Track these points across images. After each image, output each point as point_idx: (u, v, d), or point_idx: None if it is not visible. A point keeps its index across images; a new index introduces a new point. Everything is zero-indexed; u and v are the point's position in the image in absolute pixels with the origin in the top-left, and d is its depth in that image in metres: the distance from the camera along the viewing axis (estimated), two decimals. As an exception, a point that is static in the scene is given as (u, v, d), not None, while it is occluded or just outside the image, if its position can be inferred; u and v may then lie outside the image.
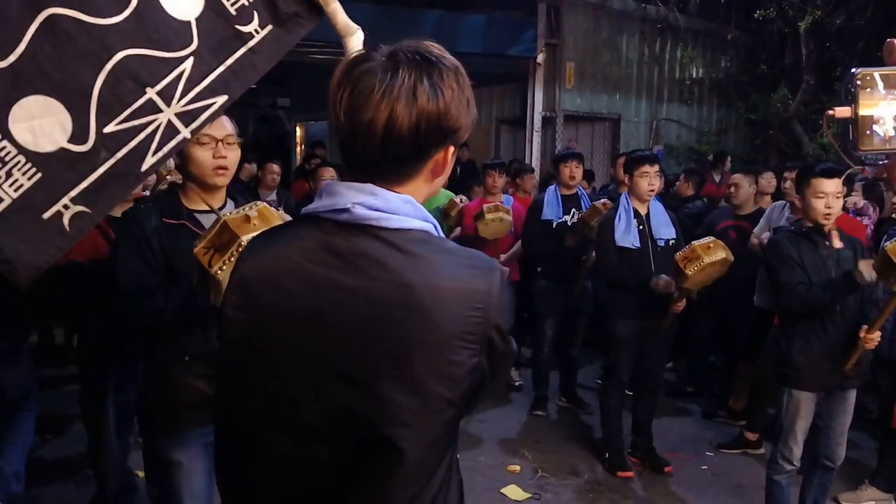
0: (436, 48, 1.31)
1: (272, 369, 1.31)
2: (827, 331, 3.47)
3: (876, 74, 1.37)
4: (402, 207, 1.28)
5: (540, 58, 9.71)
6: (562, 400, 6.08)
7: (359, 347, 1.25)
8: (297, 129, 15.14)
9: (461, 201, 6.60)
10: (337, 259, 1.27)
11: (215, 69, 1.60)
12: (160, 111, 1.62)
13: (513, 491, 4.48)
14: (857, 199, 6.01)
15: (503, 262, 6.06)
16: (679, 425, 5.63)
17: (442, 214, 6.64)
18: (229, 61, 1.59)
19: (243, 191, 7.12)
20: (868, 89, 1.37)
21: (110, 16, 1.56)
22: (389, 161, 1.28)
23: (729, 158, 10.03)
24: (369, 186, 1.29)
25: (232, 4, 1.57)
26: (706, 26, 11.25)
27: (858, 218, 5.83)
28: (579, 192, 5.74)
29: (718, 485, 4.68)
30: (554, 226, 5.61)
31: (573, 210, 5.62)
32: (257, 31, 1.61)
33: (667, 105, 11.23)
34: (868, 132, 1.39)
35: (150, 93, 1.60)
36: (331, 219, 1.29)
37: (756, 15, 10.29)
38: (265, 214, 2.00)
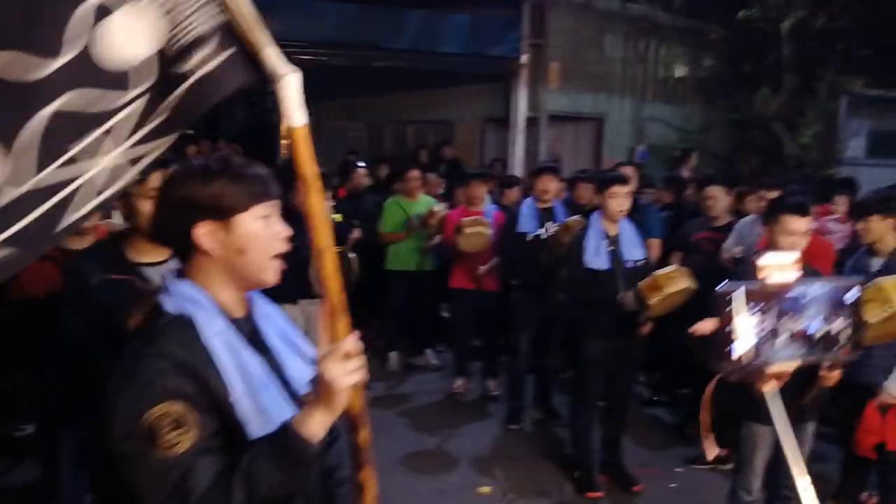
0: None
1: None
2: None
3: (738, 293, 1.40)
4: (167, 281, 1.58)
5: (524, 58, 9.69)
6: (537, 411, 6.11)
7: None
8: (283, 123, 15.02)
9: (440, 210, 6.62)
10: None
11: (155, 112, 1.58)
12: (98, 157, 1.60)
13: (481, 514, 4.51)
14: (839, 208, 6.02)
15: (483, 272, 6.08)
16: (651, 438, 5.67)
17: (421, 222, 6.65)
18: (166, 104, 1.57)
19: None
20: (733, 305, 1.39)
21: (43, 66, 1.52)
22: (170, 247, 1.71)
23: (694, 155, 10.08)
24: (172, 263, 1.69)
25: (172, 45, 1.53)
26: (690, 25, 11.23)
27: (834, 228, 5.87)
28: (555, 206, 5.75)
29: (685, 503, 4.72)
30: (529, 238, 5.63)
31: (548, 223, 5.64)
32: (192, 72, 1.58)
33: (650, 104, 11.24)
34: (727, 349, 1.42)
35: (87, 139, 1.58)
36: None
37: (739, 15, 10.29)
38: None
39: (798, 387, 3.48)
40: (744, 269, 3.69)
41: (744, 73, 11.18)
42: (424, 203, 6.88)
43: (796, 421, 3.57)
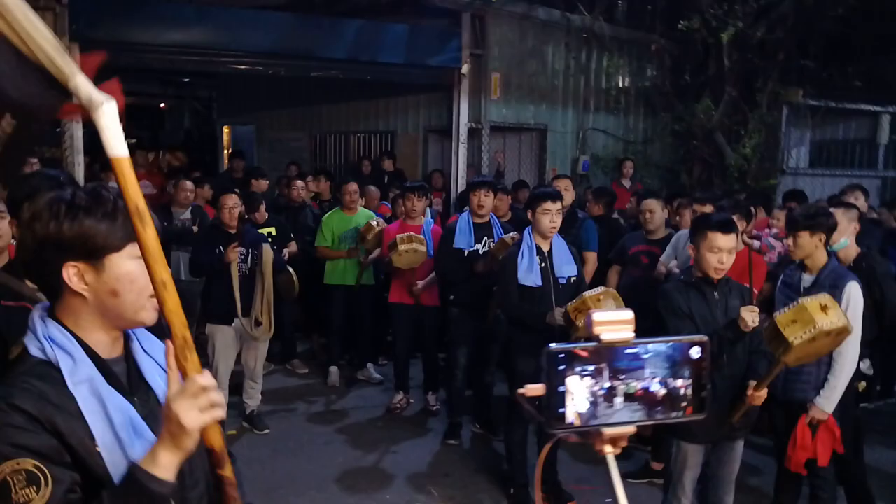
0: (71, 179, 1.50)
1: None
2: (714, 385, 3.48)
3: (571, 350, 1.35)
4: (32, 325, 1.48)
5: (465, 68, 9.63)
6: (476, 426, 6.04)
7: None
8: (224, 131, 14.78)
9: (378, 224, 6.53)
10: None
11: None
12: None
13: (414, 534, 4.42)
14: (776, 227, 6.06)
15: (420, 288, 6.00)
16: (589, 452, 5.57)
17: (359, 236, 6.56)
18: None
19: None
20: (561, 366, 1.35)
21: None
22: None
23: (626, 163, 10.18)
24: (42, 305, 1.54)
25: None
26: (632, 35, 11.30)
27: (766, 244, 5.91)
28: (492, 221, 5.70)
29: (621, 520, 4.68)
30: (465, 254, 5.56)
31: (485, 238, 5.59)
32: None
33: (593, 114, 11.26)
34: (560, 410, 1.37)
35: None
36: None
37: (680, 25, 10.39)
38: None
39: (727, 405, 3.48)
40: (677, 284, 3.68)
41: (686, 84, 11.27)
42: (363, 216, 6.79)
43: (725, 439, 3.59)
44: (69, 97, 1.38)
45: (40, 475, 1.30)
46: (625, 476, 5.18)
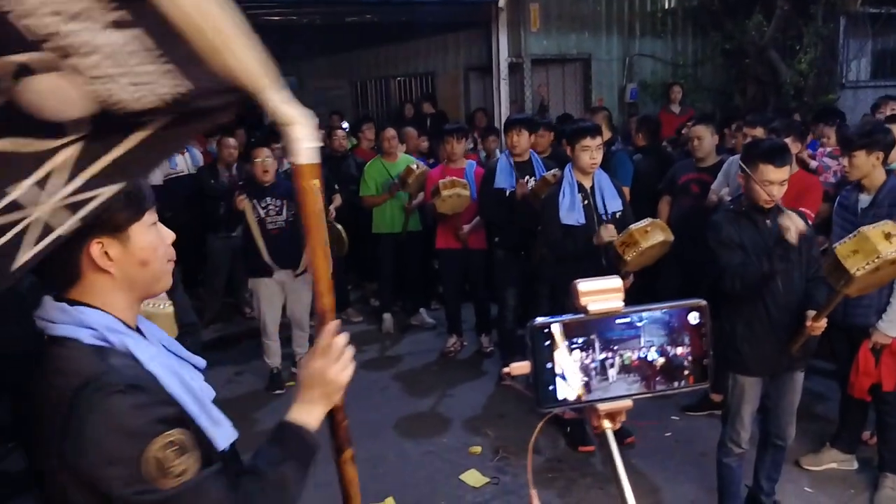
0: None
1: None
2: (770, 315, 3.35)
3: (555, 326, 1.24)
4: (57, 316, 1.36)
5: (502, 1, 9.36)
6: (530, 366, 6.01)
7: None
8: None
9: (417, 167, 6.45)
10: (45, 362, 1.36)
11: (96, 159, 1.43)
12: (33, 206, 1.46)
13: (471, 476, 4.44)
14: (820, 151, 5.80)
15: (466, 232, 5.95)
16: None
17: (400, 182, 6.49)
18: (123, 147, 1.42)
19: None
20: (547, 342, 1.24)
21: None
22: (41, 276, 1.38)
23: (674, 88, 9.79)
24: (45, 299, 1.38)
25: (115, 106, 1.38)
26: (677, -47, 10.85)
27: (822, 165, 5.66)
28: (532, 158, 5.56)
29: (681, 453, 4.63)
30: (507, 194, 5.46)
31: (527, 177, 5.46)
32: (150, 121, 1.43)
33: (639, 40, 10.87)
34: (549, 387, 1.26)
35: (22, 187, 1.44)
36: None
37: (727, -62, 9.90)
38: None
39: (784, 335, 3.35)
40: (728, 214, 3.53)
41: (735, 1, 10.77)
42: (404, 162, 6.71)
43: (785, 370, 3.47)
44: (239, 105, 1.38)
45: (187, 443, 1.31)
46: (684, 409, 5.13)
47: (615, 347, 1.28)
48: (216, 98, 1.35)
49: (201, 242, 7.13)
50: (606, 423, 1.32)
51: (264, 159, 5.59)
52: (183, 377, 1.41)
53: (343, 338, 1.52)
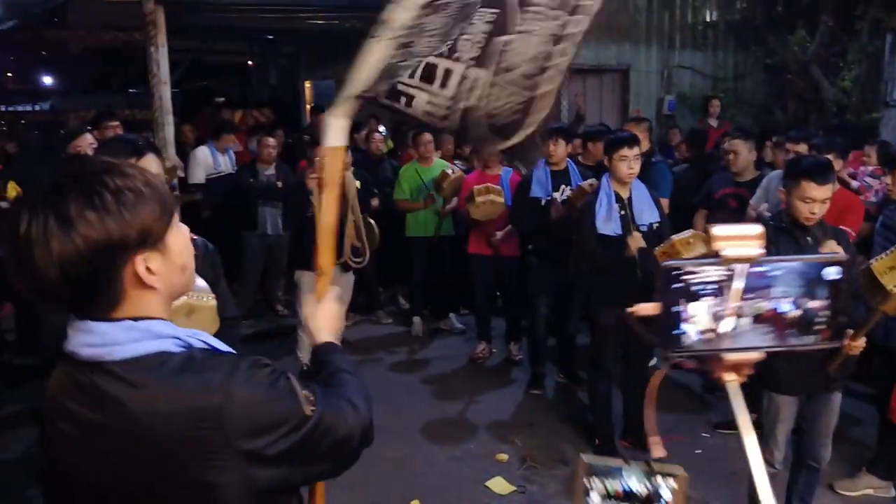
0: (84, 169, 1.24)
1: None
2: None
3: (687, 269, 1.20)
4: (125, 336, 1.25)
5: (543, 10, 9.34)
6: (560, 376, 5.99)
7: (123, 488, 1.26)
8: (306, 86, 14.86)
9: (453, 172, 6.46)
10: (84, 395, 1.26)
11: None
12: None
13: (497, 484, 4.41)
14: (861, 169, 5.71)
15: (499, 239, 5.94)
16: (678, 402, 5.51)
17: (435, 186, 6.51)
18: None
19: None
20: (676, 284, 1.20)
21: None
22: (75, 302, 1.25)
23: (713, 101, 9.67)
24: (87, 324, 1.25)
25: None
26: (720, -35, 10.76)
27: (864, 184, 5.57)
28: (569, 168, 5.54)
29: (711, 471, 4.57)
30: (543, 203, 5.44)
31: (563, 186, 5.44)
32: None
33: (679, 52, 10.81)
34: (675, 332, 1.22)
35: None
36: (73, 357, 1.27)
37: (771, -48, 9.81)
38: None
39: (821, 355, 3.30)
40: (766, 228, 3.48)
41: (778, 15, 10.65)
42: (439, 167, 6.72)
43: (821, 391, 3.41)
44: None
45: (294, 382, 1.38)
46: (716, 426, 5.07)
47: (748, 295, 1.24)
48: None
49: (238, 239, 7.22)
50: (730, 376, 1.29)
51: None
52: None
53: (336, 289, 1.86)
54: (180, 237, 1.36)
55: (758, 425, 3.74)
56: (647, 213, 4.42)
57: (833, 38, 10.17)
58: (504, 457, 4.75)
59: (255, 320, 7.41)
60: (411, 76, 1.69)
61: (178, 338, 1.29)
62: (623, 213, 4.38)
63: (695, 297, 1.21)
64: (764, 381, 3.43)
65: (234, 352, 1.38)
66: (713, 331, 1.21)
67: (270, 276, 7.52)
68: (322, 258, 1.84)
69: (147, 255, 1.27)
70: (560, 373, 6.00)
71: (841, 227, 3.84)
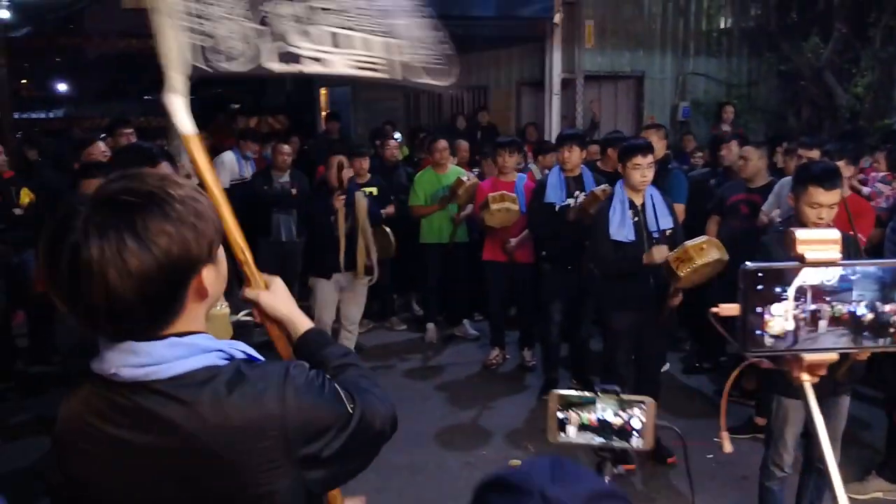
0: (144, 184, 1.18)
1: None
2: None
3: (766, 272, 1.27)
4: (171, 353, 1.21)
5: (557, 17, 9.42)
6: (573, 382, 6.03)
7: None
8: (321, 93, 14.96)
9: (468, 179, 6.52)
10: (124, 417, 1.21)
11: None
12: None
13: (511, 488, 4.45)
14: (872, 175, 5.73)
15: (514, 246, 5.99)
16: (690, 407, 5.55)
17: (449, 193, 6.57)
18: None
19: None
20: (759, 286, 1.26)
21: None
22: (135, 321, 1.19)
23: (727, 108, 9.69)
24: (128, 344, 1.21)
25: None
26: (734, -28, 10.79)
27: (875, 190, 5.59)
28: (583, 174, 5.59)
29: (723, 476, 4.61)
30: (557, 209, 5.50)
31: (577, 192, 5.49)
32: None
33: (693, 59, 10.84)
34: (757, 332, 1.28)
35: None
36: (108, 379, 1.22)
37: (785, -40, 9.84)
38: None
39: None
40: (777, 235, 3.53)
41: (792, 22, 10.67)
42: (454, 174, 6.79)
43: (829, 395, 3.44)
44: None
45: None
46: (728, 430, 5.07)
47: (828, 298, 1.30)
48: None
49: (252, 246, 7.28)
50: (805, 377, 1.35)
51: (338, 164, 5.68)
52: None
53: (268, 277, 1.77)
54: (222, 248, 1.34)
55: (766, 429, 3.79)
56: (662, 220, 4.47)
57: (846, 45, 10.18)
58: (517, 462, 4.76)
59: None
60: (310, 41, 1.69)
61: (221, 350, 1.27)
62: (636, 219, 4.43)
63: (776, 298, 1.26)
64: (774, 385, 3.47)
65: (273, 360, 1.40)
66: (792, 332, 1.27)
67: (285, 282, 7.57)
68: (238, 252, 1.74)
69: (208, 267, 1.26)
70: (573, 378, 6.04)
71: (852, 232, 3.88)
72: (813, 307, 1.29)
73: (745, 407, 5.38)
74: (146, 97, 14.70)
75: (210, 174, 1.63)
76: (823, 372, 1.31)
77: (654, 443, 1.35)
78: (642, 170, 4.37)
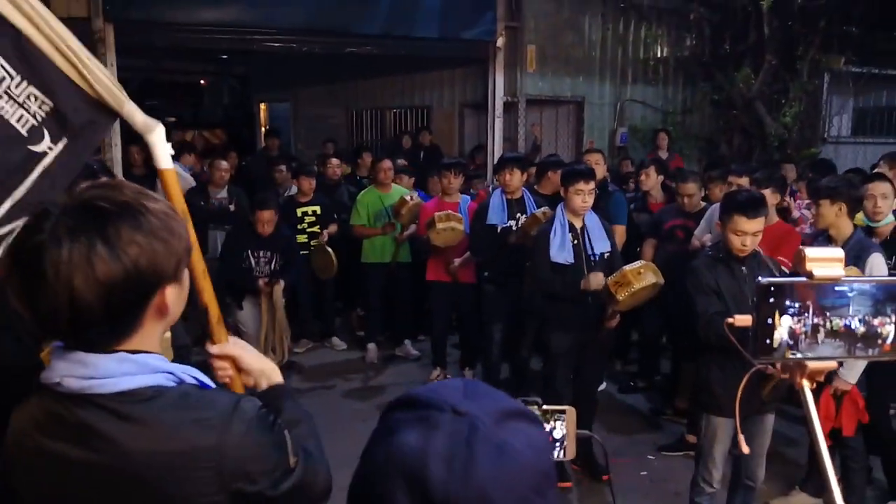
0: (120, 194, 1.19)
1: None
2: (743, 359, 3.48)
3: (777, 286, 1.42)
4: (119, 368, 1.20)
5: (500, 41, 9.59)
6: (512, 401, 6.10)
7: None
8: (261, 108, 14.88)
9: (411, 199, 6.56)
10: (64, 430, 1.19)
11: (9, 196, 1.54)
12: None
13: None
14: (799, 202, 6.00)
15: (457, 266, 6.06)
16: (626, 425, 5.68)
17: (393, 213, 6.61)
18: (26, 184, 1.53)
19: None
20: (771, 299, 1.41)
21: None
22: (93, 331, 1.19)
23: (661, 134, 10.04)
24: (77, 355, 1.19)
25: (22, 126, 1.50)
26: (670, 4, 11.10)
27: (802, 216, 5.85)
28: (525, 196, 5.71)
29: (656, 493, 4.74)
30: (499, 231, 5.59)
31: (518, 214, 5.60)
32: (50, 149, 1.55)
33: (631, 86, 11.13)
34: (767, 341, 1.44)
35: None
36: (53, 389, 1.21)
37: (719, -7, 10.21)
38: None
39: (755, 379, 3.48)
40: (706, 259, 3.67)
41: (725, 53, 11.07)
42: (398, 193, 6.84)
43: (755, 413, 3.60)
44: (114, 120, 1.53)
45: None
46: (661, 448, 5.24)
47: (828, 313, 1.45)
48: (85, 114, 1.52)
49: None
50: (805, 382, 1.48)
51: (267, 222, 5.98)
52: None
53: (233, 341, 1.66)
54: (187, 271, 1.33)
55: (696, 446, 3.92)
56: (599, 243, 4.60)
57: (776, 77, 10.60)
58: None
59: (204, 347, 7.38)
60: None
61: (171, 373, 1.25)
62: (576, 242, 4.55)
63: (785, 311, 1.41)
64: (703, 404, 3.61)
65: (225, 390, 1.39)
66: (797, 342, 1.42)
67: (222, 300, 7.50)
68: (209, 302, 1.68)
69: (172, 284, 1.26)
70: (514, 398, 6.11)
71: (777, 257, 4.07)
72: (814, 321, 1.43)
73: (677, 425, 5.55)
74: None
75: (181, 208, 1.57)
76: (821, 378, 1.48)
77: (575, 452, 1.43)
78: (583, 195, 4.49)
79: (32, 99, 1.49)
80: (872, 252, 3.84)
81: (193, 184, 7.49)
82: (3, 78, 1.46)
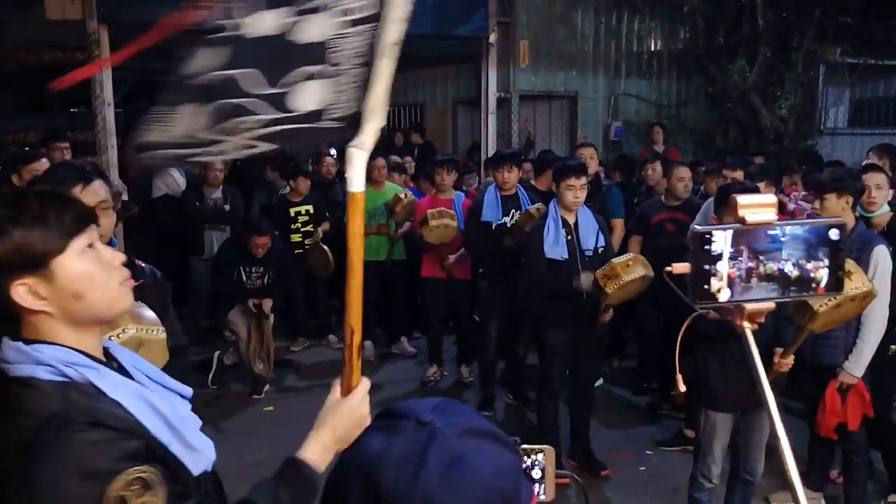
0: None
1: None
2: (742, 354, 3.46)
3: (717, 233, 1.46)
4: (14, 356, 1.29)
5: (492, 37, 9.53)
6: (509, 397, 6.09)
7: None
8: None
9: (406, 196, 6.54)
10: None
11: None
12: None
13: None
14: (794, 195, 5.97)
15: (451, 262, 6.03)
16: (623, 420, 5.66)
17: (388, 209, 6.59)
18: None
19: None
20: (707, 246, 1.46)
21: None
22: None
23: (656, 128, 10.02)
24: (5, 341, 1.31)
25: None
26: (663, -3, 11.12)
27: (798, 207, 5.82)
28: (519, 193, 5.68)
29: (654, 488, 4.71)
30: (493, 227, 5.56)
31: (513, 211, 5.57)
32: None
33: (625, 80, 11.11)
34: (705, 286, 1.48)
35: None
36: None
37: (713, -15, 10.20)
38: None
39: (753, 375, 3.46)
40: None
41: (719, 45, 11.06)
42: (392, 191, 6.81)
43: (753, 407, 3.57)
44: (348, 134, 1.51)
45: (151, 478, 1.23)
46: (659, 443, 5.22)
47: (761, 257, 1.50)
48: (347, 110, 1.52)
49: (185, 264, 7.15)
50: (747, 324, 1.49)
51: (262, 246, 6.03)
52: (153, 403, 1.37)
53: (366, 383, 1.56)
54: (74, 266, 1.33)
55: (694, 442, 3.90)
56: (593, 238, 4.57)
57: (771, 68, 10.58)
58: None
59: (203, 347, 7.34)
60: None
61: (51, 365, 1.28)
62: (569, 237, 4.52)
63: (719, 257, 1.46)
64: (702, 399, 3.58)
65: (106, 393, 1.32)
66: (733, 286, 1.47)
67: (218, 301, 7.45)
68: (355, 322, 1.56)
69: (31, 280, 1.29)
70: (509, 394, 6.10)
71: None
72: (748, 265, 1.48)
73: (675, 420, 5.52)
74: (73, 110, 14.29)
75: (358, 240, 1.55)
76: (762, 319, 1.54)
77: (554, 493, 1.41)
78: (575, 190, 4.46)
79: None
80: (876, 244, 3.80)
81: (183, 187, 7.45)
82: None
